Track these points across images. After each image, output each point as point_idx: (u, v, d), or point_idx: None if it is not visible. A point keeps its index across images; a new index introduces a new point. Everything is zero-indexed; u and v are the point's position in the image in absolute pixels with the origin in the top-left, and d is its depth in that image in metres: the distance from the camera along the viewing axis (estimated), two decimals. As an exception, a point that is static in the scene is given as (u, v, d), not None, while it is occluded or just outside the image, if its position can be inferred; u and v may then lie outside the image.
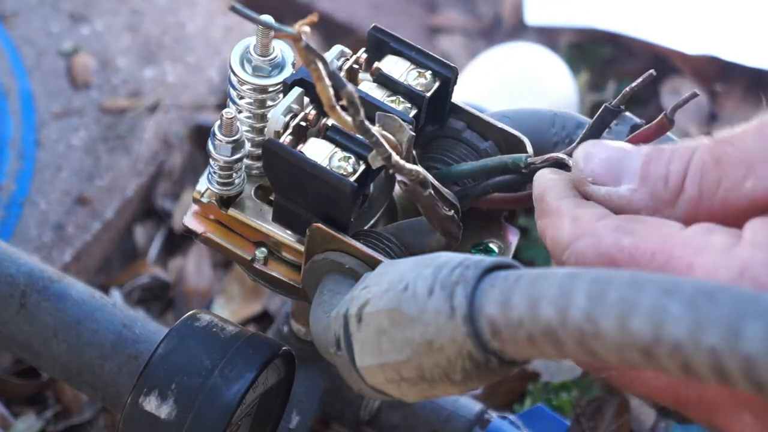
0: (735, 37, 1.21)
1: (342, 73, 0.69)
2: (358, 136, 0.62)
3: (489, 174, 0.68)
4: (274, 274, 0.71)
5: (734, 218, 0.54)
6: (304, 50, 0.56)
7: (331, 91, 0.57)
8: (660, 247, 0.54)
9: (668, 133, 0.71)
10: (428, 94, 0.68)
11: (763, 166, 0.54)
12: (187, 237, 1.10)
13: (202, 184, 0.71)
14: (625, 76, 1.22)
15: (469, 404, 0.88)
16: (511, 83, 1.10)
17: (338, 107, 0.58)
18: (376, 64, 0.69)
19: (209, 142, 0.69)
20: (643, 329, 0.47)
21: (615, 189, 0.58)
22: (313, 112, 0.67)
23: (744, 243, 0.53)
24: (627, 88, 0.64)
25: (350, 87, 0.57)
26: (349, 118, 0.58)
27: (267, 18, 0.59)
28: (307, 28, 0.55)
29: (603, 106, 0.65)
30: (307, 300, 0.68)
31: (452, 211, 0.65)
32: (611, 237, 0.55)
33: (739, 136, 0.56)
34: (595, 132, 0.66)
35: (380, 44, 0.70)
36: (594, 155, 0.59)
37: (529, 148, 0.69)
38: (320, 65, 0.56)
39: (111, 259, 1.11)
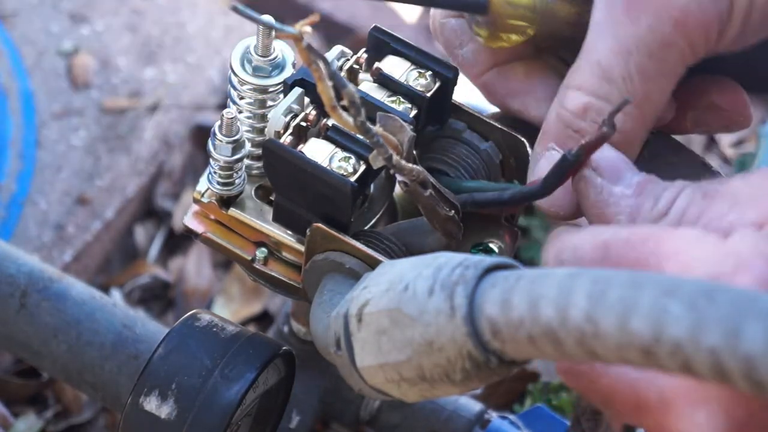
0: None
1: (342, 74, 0.69)
2: (359, 136, 0.62)
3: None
4: (275, 274, 0.71)
5: None
6: (305, 50, 0.56)
7: (332, 92, 0.57)
8: (652, 234, 0.56)
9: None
10: (429, 95, 0.68)
11: (748, 203, 0.57)
12: (187, 237, 1.10)
13: (203, 184, 0.71)
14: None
15: (469, 404, 0.88)
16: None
17: (339, 107, 0.58)
18: (376, 65, 0.69)
19: (210, 142, 0.69)
20: (643, 329, 0.47)
21: (610, 185, 0.61)
22: (314, 112, 0.67)
23: (734, 237, 0.54)
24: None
25: (351, 87, 0.57)
26: (350, 119, 0.58)
27: (268, 18, 0.59)
28: (308, 28, 0.55)
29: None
30: (308, 300, 0.68)
31: (452, 212, 0.65)
32: (611, 229, 0.58)
33: (728, 180, 0.59)
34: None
35: (381, 44, 0.70)
36: (604, 150, 0.61)
37: (529, 149, 0.69)
38: (321, 65, 0.56)
39: (111, 259, 1.11)
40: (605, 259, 0.56)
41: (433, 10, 0.70)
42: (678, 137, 0.70)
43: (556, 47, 0.69)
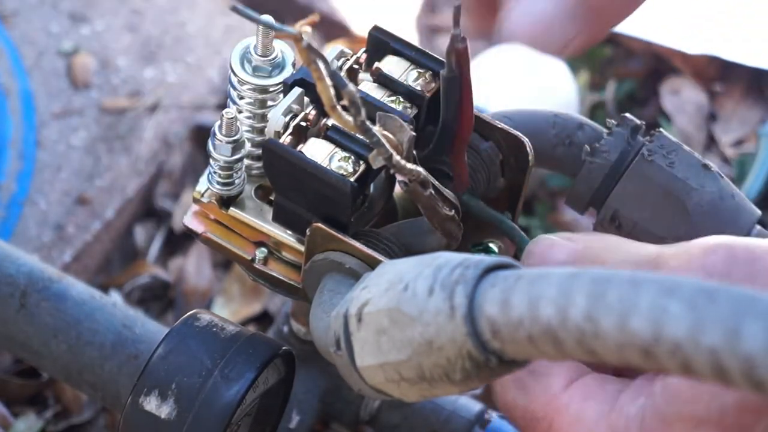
0: (735, 37, 1.21)
1: (342, 73, 0.69)
2: (359, 136, 0.62)
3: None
4: (274, 274, 0.71)
5: None
6: (305, 50, 0.56)
7: (332, 91, 0.57)
8: (543, 412, 0.60)
9: (667, 134, 0.71)
10: (428, 94, 0.68)
11: None
12: (187, 237, 1.10)
13: (203, 184, 0.71)
14: (625, 76, 1.22)
15: (469, 404, 0.88)
16: (512, 83, 1.10)
17: (339, 107, 0.58)
18: (376, 64, 0.69)
19: (209, 142, 0.69)
20: (643, 329, 0.47)
21: None
22: (314, 112, 0.67)
23: (618, 411, 0.58)
24: None
25: (351, 87, 0.57)
26: (349, 118, 0.58)
27: (267, 18, 0.59)
28: (307, 28, 0.55)
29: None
30: (307, 300, 0.68)
31: (453, 211, 0.66)
32: (512, 392, 0.62)
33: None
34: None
35: (380, 44, 0.70)
36: (533, 253, 0.63)
37: (530, 149, 0.70)
38: (321, 65, 0.56)
39: (111, 259, 1.11)
40: None
41: None
42: (677, 137, 0.70)
43: None
